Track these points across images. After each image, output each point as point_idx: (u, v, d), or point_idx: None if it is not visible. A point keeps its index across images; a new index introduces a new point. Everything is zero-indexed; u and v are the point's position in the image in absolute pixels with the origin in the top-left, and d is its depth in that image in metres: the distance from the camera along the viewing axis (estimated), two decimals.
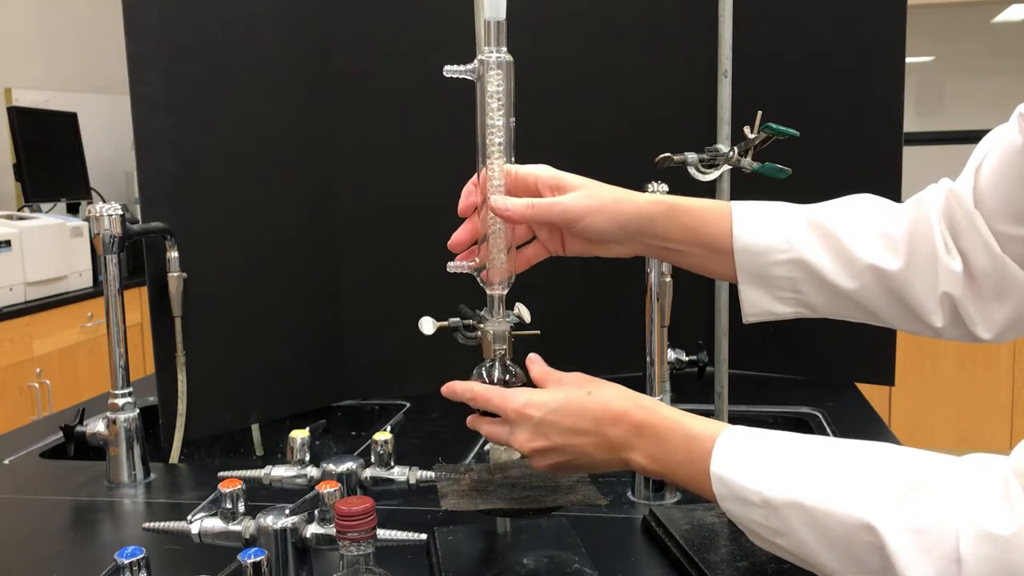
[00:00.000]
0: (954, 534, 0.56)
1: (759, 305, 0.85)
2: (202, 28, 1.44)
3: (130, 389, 1.31)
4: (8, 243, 3.12)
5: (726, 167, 1.02)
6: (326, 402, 1.65)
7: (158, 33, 1.39)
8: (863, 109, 1.61)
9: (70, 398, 2.90)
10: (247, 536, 0.88)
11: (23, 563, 1.08)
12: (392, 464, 1.06)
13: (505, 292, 0.87)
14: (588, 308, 1.72)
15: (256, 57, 1.49)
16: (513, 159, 0.85)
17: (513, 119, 0.84)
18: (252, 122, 1.50)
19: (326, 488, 0.86)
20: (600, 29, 1.67)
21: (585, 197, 0.83)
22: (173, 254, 1.41)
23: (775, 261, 0.83)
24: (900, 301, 0.81)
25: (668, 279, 1.16)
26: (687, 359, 1.23)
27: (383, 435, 1.06)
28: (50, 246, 3.34)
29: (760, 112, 0.96)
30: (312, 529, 0.87)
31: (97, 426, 1.29)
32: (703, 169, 1.01)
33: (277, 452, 1.60)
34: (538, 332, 0.91)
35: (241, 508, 0.90)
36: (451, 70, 0.83)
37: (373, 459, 1.06)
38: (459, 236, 0.88)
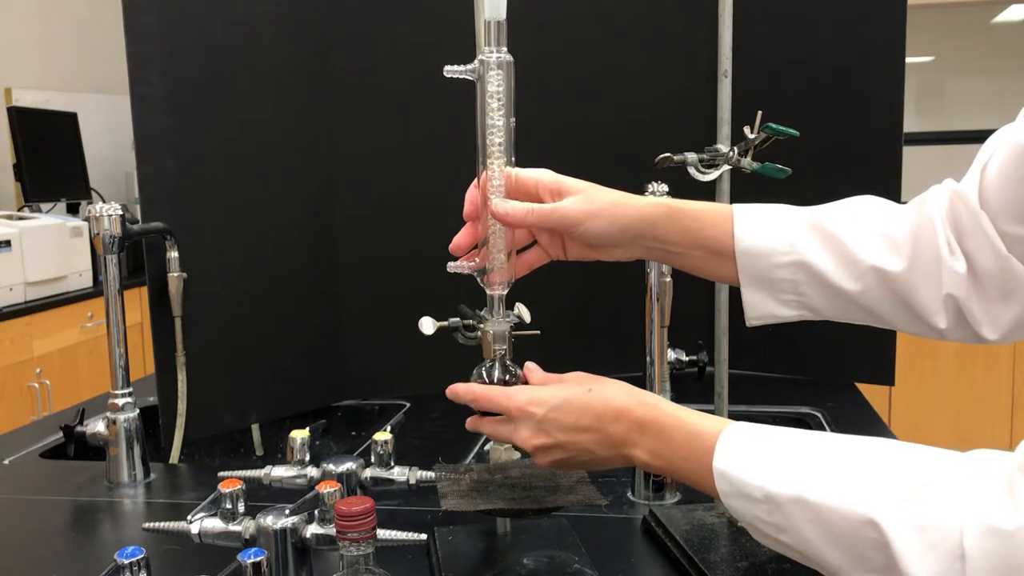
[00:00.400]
0: (958, 530, 0.56)
1: (762, 308, 0.85)
2: (202, 28, 1.44)
3: (130, 389, 1.31)
4: (8, 243, 3.12)
5: (726, 167, 1.02)
6: (326, 402, 1.65)
7: (158, 33, 1.39)
8: (863, 109, 1.61)
9: (70, 398, 2.89)
10: (247, 536, 0.88)
11: (23, 563, 1.08)
12: (392, 464, 1.06)
13: (505, 292, 0.87)
14: (588, 308, 1.72)
15: (256, 57, 1.49)
16: (513, 159, 0.85)
17: (513, 119, 0.83)
18: (252, 122, 1.50)
19: (326, 488, 0.86)
20: (600, 29, 1.67)
21: (584, 201, 0.83)
22: (173, 254, 1.41)
23: (777, 263, 0.83)
24: (903, 303, 0.81)
25: (668, 279, 1.16)
26: (687, 359, 1.23)
27: (383, 435, 1.06)
28: (50, 246, 3.33)
29: (760, 112, 0.96)
30: (312, 529, 0.87)
31: (97, 426, 1.29)
32: (703, 169, 1.01)
33: (277, 452, 1.60)
34: (538, 332, 0.91)
35: (241, 508, 0.90)
36: (451, 70, 0.83)
37: (373, 459, 1.06)
38: (460, 240, 0.87)
